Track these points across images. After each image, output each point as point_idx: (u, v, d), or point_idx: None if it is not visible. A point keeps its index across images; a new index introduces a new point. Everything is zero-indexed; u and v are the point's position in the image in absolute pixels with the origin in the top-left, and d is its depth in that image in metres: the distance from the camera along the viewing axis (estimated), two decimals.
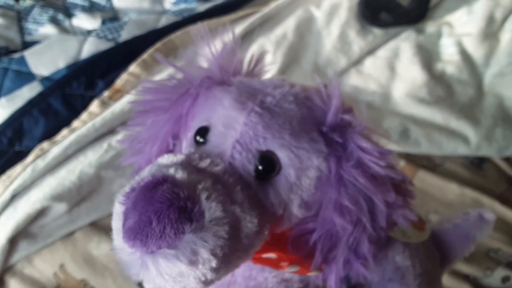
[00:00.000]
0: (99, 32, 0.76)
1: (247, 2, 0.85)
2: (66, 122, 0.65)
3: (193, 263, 0.20)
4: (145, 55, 0.73)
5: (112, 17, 0.90)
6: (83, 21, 0.88)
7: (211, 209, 0.21)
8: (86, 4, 0.94)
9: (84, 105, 0.67)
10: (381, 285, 0.31)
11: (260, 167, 0.24)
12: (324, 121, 0.25)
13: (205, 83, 0.28)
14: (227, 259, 0.21)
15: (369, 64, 0.77)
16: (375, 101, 0.74)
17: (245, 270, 0.28)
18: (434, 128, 0.67)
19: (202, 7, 0.85)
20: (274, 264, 0.26)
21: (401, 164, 0.67)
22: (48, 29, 0.86)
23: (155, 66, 0.73)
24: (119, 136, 0.62)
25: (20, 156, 0.62)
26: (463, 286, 0.57)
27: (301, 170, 0.24)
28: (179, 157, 0.23)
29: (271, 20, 0.81)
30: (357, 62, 0.78)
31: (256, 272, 0.28)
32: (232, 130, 0.24)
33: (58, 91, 0.67)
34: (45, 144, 0.62)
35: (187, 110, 0.28)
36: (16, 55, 0.74)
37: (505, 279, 0.58)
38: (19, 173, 0.59)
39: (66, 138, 0.62)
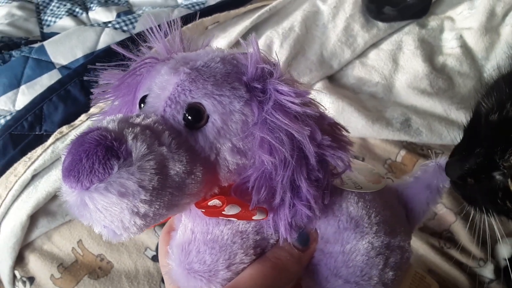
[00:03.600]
0: (115, 24, 0.80)
1: None
2: (84, 108, 0.69)
3: (122, 194, 0.23)
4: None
5: (126, 10, 0.94)
6: (99, 14, 0.92)
7: (137, 147, 0.24)
8: None
9: None
10: (337, 234, 0.32)
11: (188, 116, 0.27)
12: (246, 73, 0.28)
13: (149, 62, 0.31)
14: (158, 193, 0.24)
15: (373, 56, 0.80)
16: (378, 92, 0.77)
17: (203, 226, 0.30)
18: (434, 118, 0.70)
19: (212, 0, 0.88)
20: (219, 211, 0.28)
21: (402, 153, 0.69)
22: (66, 22, 0.90)
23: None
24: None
25: (40, 139, 0.66)
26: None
27: (226, 115, 0.27)
28: (118, 116, 0.27)
29: (279, 14, 0.84)
30: (361, 54, 0.81)
31: (212, 226, 0.30)
32: (165, 90, 0.28)
33: (76, 78, 0.71)
34: (64, 128, 0.66)
35: (136, 88, 0.31)
36: (36, 45, 0.78)
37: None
38: (40, 154, 0.63)
39: (83, 122, 0.65)
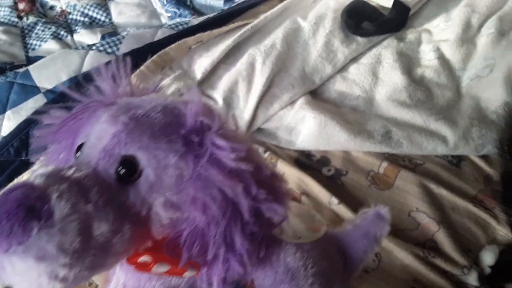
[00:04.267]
0: (99, 46, 0.81)
1: (238, 15, 0.90)
2: None
3: (40, 258, 0.22)
4: (142, 67, 0.78)
5: (111, 32, 0.95)
6: (83, 36, 0.93)
7: (60, 207, 0.23)
8: (86, 20, 1.00)
9: None
10: (273, 286, 0.31)
11: (120, 170, 0.26)
12: (185, 125, 0.28)
13: (92, 107, 0.30)
14: (80, 255, 0.23)
15: (353, 70, 0.82)
16: (360, 105, 0.79)
17: (135, 281, 0.30)
18: (414, 130, 0.71)
19: (195, 20, 0.90)
20: (149, 268, 0.27)
21: (384, 164, 0.71)
22: (50, 45, 0.91)
23: (152, 77, 0.78)
24: None
25: (26, 165, 0.67)
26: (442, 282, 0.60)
27: (160, 169, 0.26)
28: (49, 168, 0.25)
29: (260, 31, 0.86)
30: (342, 69, 0.83)
31: (144, 281, 0.29)
32: (102, 140, 0.27)
33: (62, 102, 0.71)
34: None
35: (76, 133, 0.30)
36: (21, 70, 0.79)
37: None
38: None
39: None
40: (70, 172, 0.25)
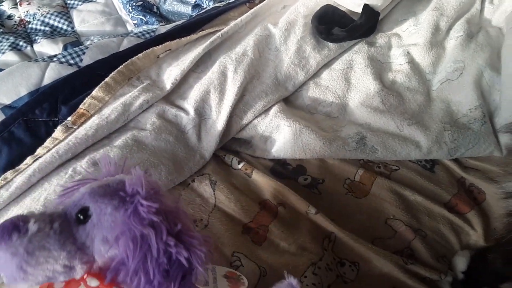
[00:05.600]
0: (60, 58, 0.77)
1: (207, 22, 0.88)
2: (30, 150, 0.66)
3: (14, 254, 0.35)
4: (107, 79, 0.74)
5: (74, 41, 0.91)
6: (44, 46, 0.89)
7: (33, 227, 0.37)
8: (47, 29, 0.95)
9: (48, 132, 0.68)
10: None
11: (77, 214, 0.39)
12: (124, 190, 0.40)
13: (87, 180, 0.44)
14: (35, 256, 0.36)
15: (326, 76, 0.81)
16: (333, 112, 0.78)
17: None
18: (388, 135, 0.71)
19: (163, 28, 0.87)
20: (84, 281, 0.38)
21: (360, 172, 0.70)
22: (9, 56, 0.86)
23: (118, 88, 0.74)
24: (83, 161, 0.63)
25: None
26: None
27: (101, 215, 0.38)
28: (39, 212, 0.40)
29: (231, 39, 0.84)
30: (315, 75, 0.82)
31: None
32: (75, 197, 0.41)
33: (21, 119, 0.67)
34: (8, 174, 0.62)
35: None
36: None
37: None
38: None
39: (29, 166, 0.62)
40: (50, 211, 0.40)
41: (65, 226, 0.38)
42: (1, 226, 0.36)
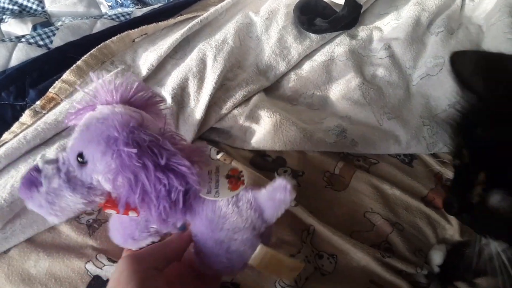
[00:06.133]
0: (29, 38, 0.72)
1: (186, 7, 0.85)
2: None
3: (39, 206, 0.41)
4: (79, 62, 0.70)
5: (44, 22, 0.86)
6: (12, 26, 0.83)
7: (45, 183, 0.41)
8: (15, 8, 0.89)
9: (15, 116, 0.64)
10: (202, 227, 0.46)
11: (77, 159, 0.42)
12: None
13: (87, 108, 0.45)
14: (56, 203, 0.41)
15: (307, 67, 0.80)
16: (314, 103, 0.77)
17: (120, 223, 0.50)
18: (368, 129, 0.71)
19: (139, 11, 0.83)
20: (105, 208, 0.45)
21: (340, 165, 0.70)
22: None
23: (90, 72, 0.71)
24: (53, 147, 0.60)
25: None
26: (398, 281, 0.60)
27: (94, 160, 0.41)
28: (48, 158, 0.44)
29: (211, 25, 0.82)
30: (296, 65, 0.81)
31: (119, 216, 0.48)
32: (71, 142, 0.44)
33: None
34: None
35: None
36: None
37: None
38: None
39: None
40: (59, 161, 0.43)
41: (70, 172, 0.42)
42: (21, 185, 0.41)
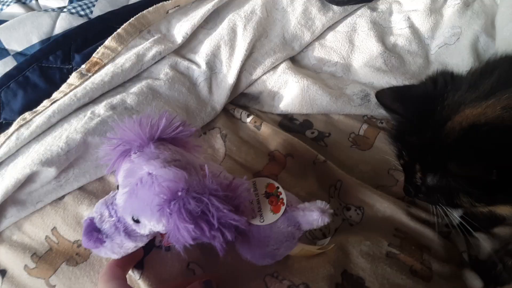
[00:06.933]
0: (70, 9, 0.77)
1: None
2: (46, 95, 0.66)
3: (106, 254, 0.49)
4: (120, 30, 0.75)
5: None
6: (49, 0, 0.88)
7: (107, 233, 0.47)
8: None
9: (62, 78, 0.69)
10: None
11: (133, 219, 0.46)
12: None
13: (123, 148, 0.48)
14: (123, 247, 0.49)
15: (331, 38, 0.84)
16: (338, 71, 0.81)
17: None
18: None
19: None
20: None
21: (364, 127, 0.74)
22: (14, 9, 0.85)
23: (130, 40, 0.75)
24: (101, 105, 0.65)
25: (1, 127, 0.63)
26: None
27: (151, 224, 0.46)
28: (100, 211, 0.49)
29: None
30: (320, 36, 0.85)
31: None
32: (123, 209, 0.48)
33: (35, 64, 0.68)
34: (27, 114, 0.63)
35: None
36: None
37: None
38: (3, 142, 0.60)
39: (48, 108, 0.63)
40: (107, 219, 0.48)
41: (128, 227, 0.48)
42: (85, 239, 0.47)
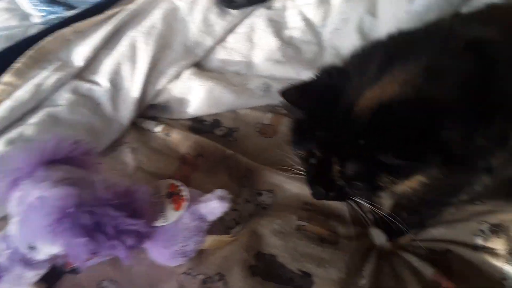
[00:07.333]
0: None
1: (113, 3, 0.92)
2: None
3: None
4: (18, 64, 0.76)
5: None
6: None
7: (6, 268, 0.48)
8: None
9: None
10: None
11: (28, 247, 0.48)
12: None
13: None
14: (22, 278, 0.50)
15: (231, 40, 0.89)
16: (241, 69, 0.86)
17: None
18: (290, 81, 0.79)
19: (70, 13, 0.90)
20: None
21: (269, 116, 0.78)
22: None
23: (29, 72, 0.76)
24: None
25: None
26: None
27: (46, 247, 0.47)
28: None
29: (139, 16, 0.88)
30: (221, 40, 0.89)
31: None
32: None
33: None
34: None
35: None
36: None
37: None
38: None
39: None
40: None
41: (25, 256, 0.48)
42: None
